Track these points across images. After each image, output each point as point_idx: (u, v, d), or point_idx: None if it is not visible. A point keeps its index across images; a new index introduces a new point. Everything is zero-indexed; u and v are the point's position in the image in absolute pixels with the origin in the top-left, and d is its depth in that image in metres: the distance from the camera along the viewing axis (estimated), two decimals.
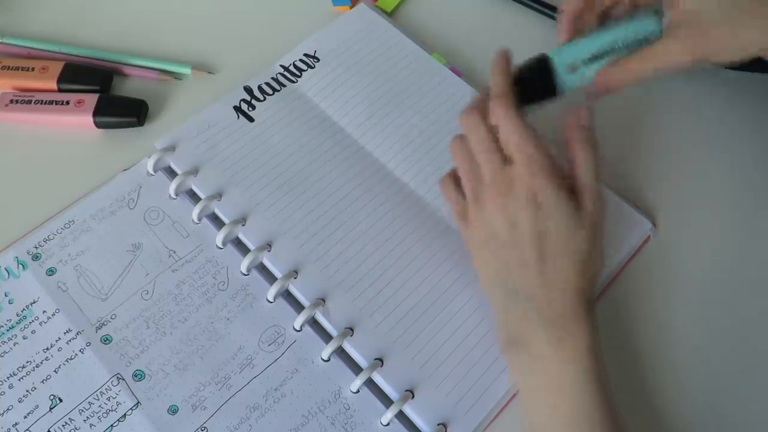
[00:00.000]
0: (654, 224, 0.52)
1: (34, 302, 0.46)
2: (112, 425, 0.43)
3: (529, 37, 0.64)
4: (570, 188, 0.41)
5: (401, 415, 0.44)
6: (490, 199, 0.42)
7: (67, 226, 0.49)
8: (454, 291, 0.48)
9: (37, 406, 0.43)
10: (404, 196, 0.52)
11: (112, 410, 0.43)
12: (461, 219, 0.45)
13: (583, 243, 0.41)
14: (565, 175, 0.42)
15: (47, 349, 0.45)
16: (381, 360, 0.45)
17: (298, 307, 0.47)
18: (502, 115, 0.42)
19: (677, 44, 0.41)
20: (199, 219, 0.50)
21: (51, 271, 0.47)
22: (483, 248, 0.43)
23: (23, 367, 0.44)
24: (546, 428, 0.40)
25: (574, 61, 0.43)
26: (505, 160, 0.42)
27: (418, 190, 0.52)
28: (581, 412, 0.39)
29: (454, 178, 0.46)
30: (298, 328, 0.46)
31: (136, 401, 0.43)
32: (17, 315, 0.46)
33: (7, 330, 0.45)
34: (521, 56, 0.61)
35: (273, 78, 0.57)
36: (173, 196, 0.51)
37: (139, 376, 0.44)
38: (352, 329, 0.46)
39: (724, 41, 0.41)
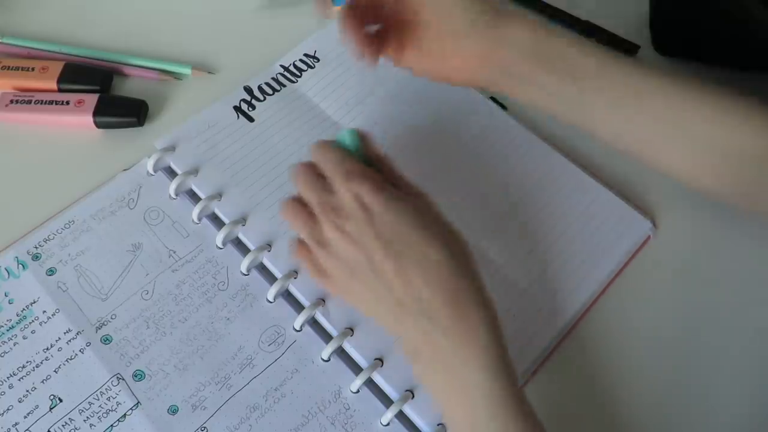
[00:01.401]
0: (654, 224, 0.52)
1: (34, 302, 0.46)
2: (112, 425, 0.42)
3: None
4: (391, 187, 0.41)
5: (401, 415, 0.44)
6: (329, 231, 0.40)
7: (67, 226, 0.49)
8: None
9: (37, 406, 0.43)
10: None
11: (112, 410, 0.43)
12: (322, 276, 0.42)
13: (428, 231, 0.39)
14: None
15: (47, 349, 0.45)
16: (381, 360, 0.45)
17: (298, 307, 0.47)
18: (315, 150, 0.44)
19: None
20: (199, 219, 0.50)
21: (51, 271, 0.47)
22: (352, 284, 0.41)
23: (23, 367, 0.44)
24: (473, 423, 0.38)
25: None
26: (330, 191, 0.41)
27: None
28: (493, 406, 0.37)
29: (300, 242, 0.44)
30: (298, 328, 0.46)
31: (136, 401, 0.43)
32: (17, 315, 0.46)
33: (7, 330, 0.45)
34: None
35: (273, 78, 0.57)
36: (173, 196, 0.51)
37: (139, 376, 0.44)
38: (352, 329, 0.46)
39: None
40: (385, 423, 0.43)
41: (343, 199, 0.40)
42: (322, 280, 0.43)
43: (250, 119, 0.55)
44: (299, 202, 0.43)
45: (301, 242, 0.44)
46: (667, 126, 0.43)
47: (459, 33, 0.44)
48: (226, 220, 0.50)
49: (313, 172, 0.43)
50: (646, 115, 0.43)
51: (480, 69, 0.45)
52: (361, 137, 0.45)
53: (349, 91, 0.57)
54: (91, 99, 0.54)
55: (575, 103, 0.44)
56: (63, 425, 0.42)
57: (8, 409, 0.43)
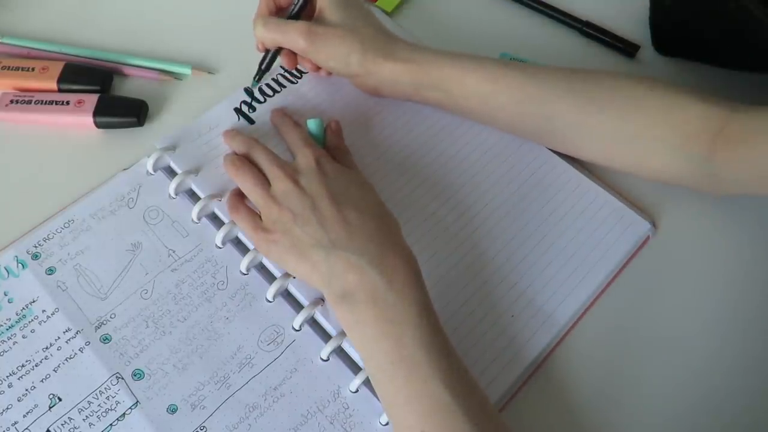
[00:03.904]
0: (653, 224, 0.52)
1: (34, 301, 0.46)
2: (111, 424, 0.42)
3: (529, 38, 0.64)
4: None
5: None
6: (282, 184, 0.45)
7: (67, 225, 0.49)
8: (454, 289, 0.48)
9: (36, 405, 0.43)
10: (402, 195, 0.52)
11: (111, 409, 0.43)
12: (260, 230, 0.46)
13: (372, 195, 0.47)
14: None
15: (46, 348, 0.45)
16: None
17: (298, 306, 0.47)
18: (281, 123, 0.53)
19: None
20: (199, 218, 0.50)
21: (50, 271, 0.47)
22: (291, 231, 0.44)
23: (23, 366, 0.44)
24: (395, 370, 0.39)
25: None
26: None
27: (416, 190, 0.52)
28: (424, 341, 0.39)
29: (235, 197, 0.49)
30: (297, 328, 0.46)
31: (135, 400, 0.43)
32: (17, 314, 0.46)
33: (7, 329, 0.45)
34: (522, 54, 0.61)
35: (273, 79, 0.57)
36: (173, 195, 0.51)
37: (138, 375, 0.44)
38: None
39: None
40: (384, 423, 0.43)
41: (302, 161, 0.47)
42: (257, 232, 0.46)
43: (251, 121, 0.55)
44: (246, 160, 0.49)
45: (236, 197, 0.48)
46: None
47: (351, 77, 0.54)
48: (225, 219, 0.50)
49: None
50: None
51: (383, 94, 0.54)
52: (326, 127, 0.53)
53: (350, 92, 0.57)
54: (91, 99, 0.54)
55: (463, 108, 0.53)
56: (62, 424, 0.42)
57: (7, 408, 0.43)
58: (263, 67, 0.54)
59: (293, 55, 0.54)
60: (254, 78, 0.55)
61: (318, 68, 0.55)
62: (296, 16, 0.53)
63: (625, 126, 0.48)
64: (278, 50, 0.54)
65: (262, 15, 0.53)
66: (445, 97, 0.52)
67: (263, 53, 0.54)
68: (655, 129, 0.47)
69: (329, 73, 0.56)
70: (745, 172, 0.45)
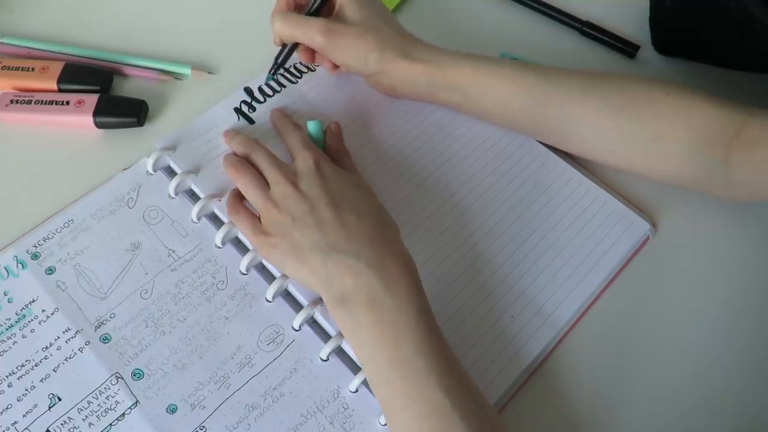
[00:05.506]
0: (653, 225, 0.52)
1: (33, 301, 0.46)
2: (110, 424, 0.42)
3: (529, 38, 0.64)
4: None
5: None
6: (282, 188, 0.45)
7: (67, 225, 0.49)
8: (454, 290, 0.48)
9: (36, 405, 0.43)
10: (402, 195, 0.52)
11: (110, 409, 0.43)
12: (259, 233, 0.46)
13: (371, 198, 0.47)
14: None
15: (46, 348, 0.45)
16: None
17: (297, 306, 0.47)
18: (281, 124, 0.53)
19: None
20: (199, 218, 0.50)
21: (50, 270, 0.47)
22: (290, 234, 0.44)
23: (22, 365, 0.44)
24: (392, 373, 0.39)
25: None
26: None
27: (416, 191, 0.52)
28: (421, 344, 0.39)
29: (238, 200, 0.49)
30: (296, 328, 0.46)
31: (135, 400, 0.43)
32: (16, 314, 0.46)
33: (7, 329, 0.45)
34: (522, 54, 0.61)
35: (273, 79, 0.57)
36: (173, 195, 0.51)
37: (137, 375, 0.44)
38: None
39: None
40: (383, 423, 0.43)
41: (301, 164, 0.47)
42: (257, 236, 0.46)
43: (251, 121, 0.55)
44: (246, 162, 0.49)
45: (235, 199, 0.49)
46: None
47: (367, 75, 0.54)
48: (225, 219, 0.50)
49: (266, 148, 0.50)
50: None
51: (399, 94, 0.55)
52: (326, 129, 0.52)
53: (349, 92, 0.57)
54: (91, 99, 0.54)
55: (474, 108, 0.53)
56: (62, 424, 0.42)
57: (7, 408, 0.43)
58: (279, 61, 0.54)
59: (311, 50, 0.54)
60: (270, 72, 0.55)
61: (335, 66, 0.55)
62: (315, 13, 0.53)
63: (643, 129, 0.48)
64: (295, 45, 0.54)
65: (281, 10, 0.53)
66: (461, 98, 0.52)
67: (280, 47, 0.54)
68: (673, 132, 0.47)
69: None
70: (761, 176, 0.45)
